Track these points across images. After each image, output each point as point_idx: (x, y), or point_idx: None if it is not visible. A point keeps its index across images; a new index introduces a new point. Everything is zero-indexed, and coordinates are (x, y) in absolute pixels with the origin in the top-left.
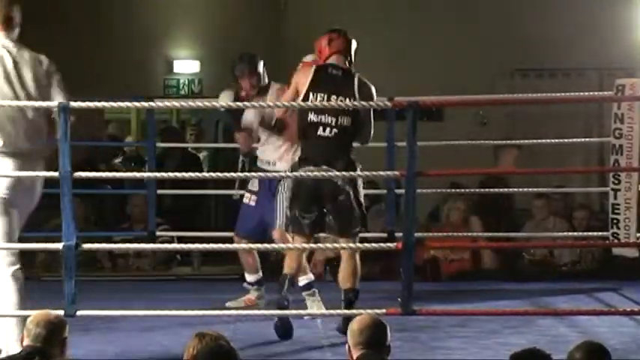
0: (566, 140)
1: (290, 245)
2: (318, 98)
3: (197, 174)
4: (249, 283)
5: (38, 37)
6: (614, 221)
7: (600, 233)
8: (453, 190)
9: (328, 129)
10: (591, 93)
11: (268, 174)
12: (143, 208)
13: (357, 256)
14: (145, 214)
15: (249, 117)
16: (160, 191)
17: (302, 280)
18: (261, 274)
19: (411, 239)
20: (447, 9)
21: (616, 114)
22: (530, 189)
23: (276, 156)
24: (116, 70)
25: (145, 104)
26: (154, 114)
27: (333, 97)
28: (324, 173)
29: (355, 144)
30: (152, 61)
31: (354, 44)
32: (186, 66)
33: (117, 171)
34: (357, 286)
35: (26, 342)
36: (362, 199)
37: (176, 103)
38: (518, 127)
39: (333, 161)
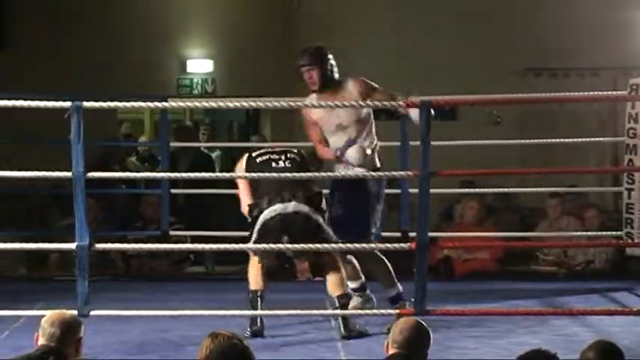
0: (579, 140)
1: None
2: None
3: (210, 174)
4: (353, 290)
5: (50, 36)
6: (628, 221)
7: (614, 233)
8: (466, 189)
9: None
10: (605, 92)
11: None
12: (156, 208)
13: (341, 266)
14: (158, 213)
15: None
16: (173, 190)
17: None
18: (363, 278)
19: (424, 239)
20: (460, 8)
21: (630, 114)
22: (543, 188)
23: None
24: (129, 70)
25: (159, 104)
26: (167, 114)
27: None
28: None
29: None
30: (165, 60)
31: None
32: (199, 65)
33: (130, 170)
34: (347, 290)
35: (41, 341)
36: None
37: (189, 104)
38: (531, 127)
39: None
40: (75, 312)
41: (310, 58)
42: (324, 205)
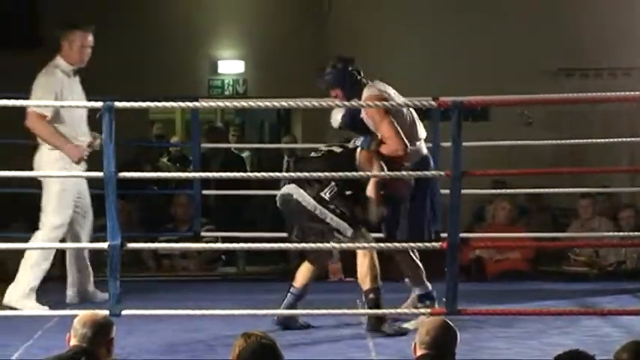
0: (611, 140)
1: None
2: None
3: (241, 174)
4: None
5: None
6: None
7: None
8: (498, 190)
9: None
10: (637, 92)
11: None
12: (187, 209)
13: (370, 254)
14: (189, 214)
15: None
16: (204, 191)
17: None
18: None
19: (456, 239)
20: (491, 8)
21: None
22: (575, 189)
23: None
24: (161, 72)
25: (190, 104)
26: (198, 114)
27: None
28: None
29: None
30: (197, 61)
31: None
32: (230, 66)
33: (162, 171)
34: (377, 284)
35: (73, 342)
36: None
37: (220, 103)
38: (563, 127)
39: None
40: (106, 312)
41: (327, 83)
42: (328, 193)
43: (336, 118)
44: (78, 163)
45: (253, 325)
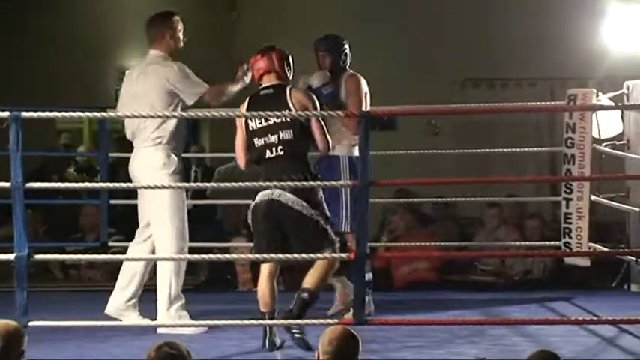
0: (518, 149)
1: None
2: (257, 122)
3: (148, 184)
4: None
5: None
6: (566, 230)
7: (552, 243)
8: (402, 199)
9: (274, 149)
10: (543, 103)
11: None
12: (95, 219)
13: (328, 267)
14: (96, 224)
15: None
16: (112, 201)
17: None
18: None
19: (363, 249)
20: (400, 19)
21: (567, 123)
22: (482, 198)
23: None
24: (68, 81)
25: (97, 114)
26: (106, 124)
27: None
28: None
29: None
30: (105, 71)
31: (289, 57)
32: None
33: (69, 181)
34: (316, 290)
35: None
36: (324, 213)
37: (128, 113)
38: (470, 137)
39: (286, 181)
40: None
41: (325, 46)
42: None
43: (315, 82)
44: None
45: (171, 337)
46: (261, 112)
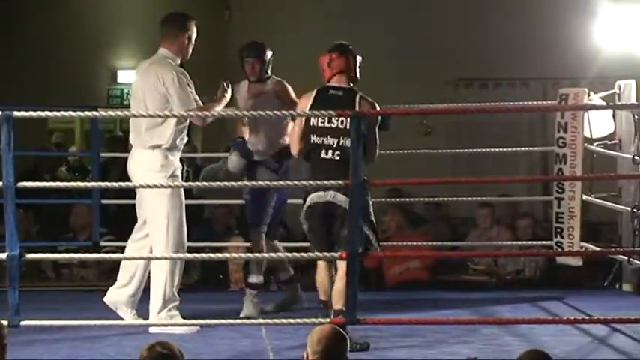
0: (510, 149)
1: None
2: (319, 120)
3: (141, 184)
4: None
5: None
6: (558, 230)
7: (544, 242)
8: (394, 199)
9: (331, 151)
10: (535, 102)
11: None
12: (86, 218)
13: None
14: (88, 223)
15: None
16: (104, 201)
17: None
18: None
19: (355, 249)
20: (392, 19)
21: (559, 123)
22: (474, 198)
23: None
24: (60, 80)
25: (89, 114)
26: (98, 124)
27: (334, 119)
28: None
29: None
30: (96, 71)
31: (358, 59)
32: (130, 76)
33: (61, 180)
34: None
35: None
36: (370, 218)
37: (120, 113)
38: (462, 137)
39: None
40: (5, 322)
41: (257, 52)
42: None
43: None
44: None
45: (158, 335)
46: (323, 112)
